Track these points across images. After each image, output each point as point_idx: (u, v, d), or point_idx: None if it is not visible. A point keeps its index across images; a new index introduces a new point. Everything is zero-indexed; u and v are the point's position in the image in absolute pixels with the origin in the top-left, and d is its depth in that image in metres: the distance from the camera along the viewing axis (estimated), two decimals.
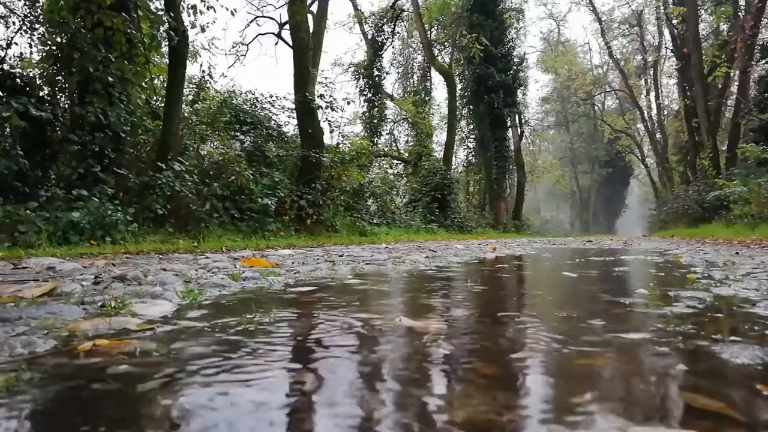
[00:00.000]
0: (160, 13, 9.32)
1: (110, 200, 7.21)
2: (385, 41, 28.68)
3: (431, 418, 0.78)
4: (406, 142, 30.01)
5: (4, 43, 7.90)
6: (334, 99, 14.60)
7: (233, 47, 23.13)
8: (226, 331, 1.41)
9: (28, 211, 5.97)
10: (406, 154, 27.71)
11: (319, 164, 12.35)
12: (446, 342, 1.32)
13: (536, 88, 57.61)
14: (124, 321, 1.49)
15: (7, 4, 9.01)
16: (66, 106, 8.00)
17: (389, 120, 29.21)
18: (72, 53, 7.49)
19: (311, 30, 14.42)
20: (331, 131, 16.97)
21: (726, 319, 1.64)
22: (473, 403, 0.84)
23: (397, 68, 32.18)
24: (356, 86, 27.65)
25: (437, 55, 28.28)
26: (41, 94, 7.76)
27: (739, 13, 21.59)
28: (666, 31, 32.05)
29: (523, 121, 31.57)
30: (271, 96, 14.68)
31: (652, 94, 37.21)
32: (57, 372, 1.02)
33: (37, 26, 8.42)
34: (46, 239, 5.84)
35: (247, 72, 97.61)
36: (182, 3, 9.59)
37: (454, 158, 29.09)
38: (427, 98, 29.72)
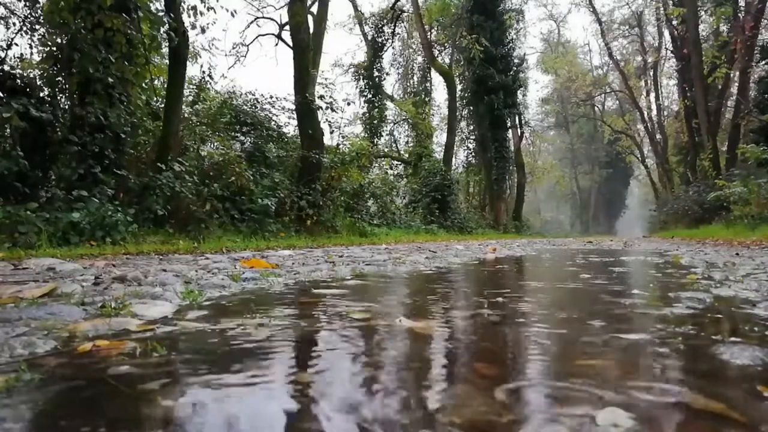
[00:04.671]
0: (161, 14, 9.33)
1: (110, 201, 7.21)
2: (385, 42, 28.71)
3: (431, 418, 0.78)
4: (406, 142, 30.06)
5: (4, 44, 7.90)
6: (334, 100, 14.60)
7: (233, 48, 23.22)
8: (226, 332, 1.41)
9: (28, 212, 5.97)
10: (406, 155, 27.74)
11: (319, 165, 12.35)
12: (446, 342, 1.33)
13: (536, 89, 57.74)
14: (124, 322, 1.49)
15: (8, 5, 9.02)
16: (66, 106, 8.00)
17: (389, 121, 29.25)
18: (72, 54, 7.49)
19: (311, 31, 14.44)
20: (331, 132, 16.98)
21: (726, 320, 1.64)
22: (473, 404, 0.84)
23: (397, 69, 32.26)
24: (356, 87, 27.72)
25: (437, 56, 28.31)
26: (41, 94, 7.76)
27: (739, 14, 21.59)
28: (666, 32, 32.08)
29: (523, 121, 31.59)
30: (271, 97, 14.69)
31: (652, 95, 37.26)
32: (57, 373, 1.02)
33: (37, 27, 8.42)
34: (46, 240, 5.84)
35: (247, 73, 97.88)
36: (182, 4, 9.59)
37: (454, 159, 29.12)
38: (427, 99, 29.75)
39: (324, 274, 3.28)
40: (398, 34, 29.86)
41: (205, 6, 9.78)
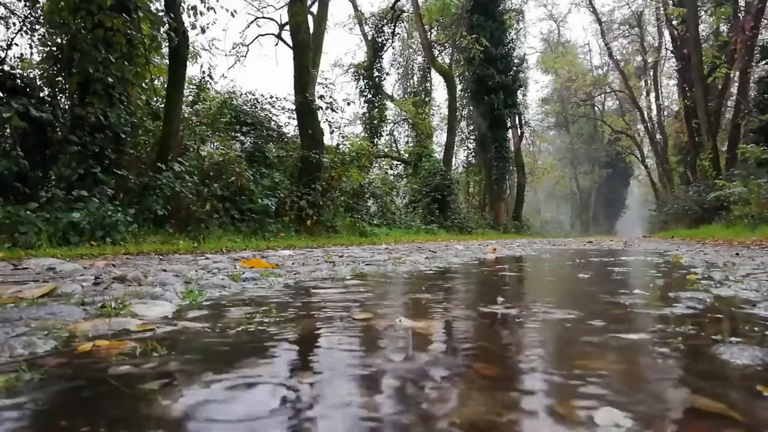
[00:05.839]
0: (161, 14, 9.33)
1: (110, 201, 7.21)
2: (385, 42, 28.74)
3: (431, 418, 0.78)
4: (406, 142, 30.08)
5: (4, 44, 7.90)
6: (334, 100, 14.62)
7: (233, 48, 23.24)
8: (226, 332, 1.41)
9: (28, 212, 5.97)
10: (406, 155, 27.75)
11: (319, 165, 12.35)
12: (446, 342, 1.33)
13: (536, 89, 57.65)
14: (124, 322, 1.49)
15: (8, 5, 9.02)
16: (66, 107, 8.00)
17: (389, 121, 29.27)
18: (72, 54, 7.49)
19: (311, 31, 14.44)
20: (331, 132, 17.03)
21: (726, 320, 1.64)
22: (472, 404, 0.84)
23: (397, 69, 32.29)
24: (356, 87, 27.75)
25: (437, 56, 28.31)
26: (41, 95, 7.76)
27: (739, 14, 21.59)
28: (666, 32, 32.05)
29: (523, 121, 31.61)
30: (271, 97, 14.70)
31: (652, 95, 37.26)
32: (57, 373, 1.02)
33: (37, 27, 8.42)
34: (46, 240, 5.84)
35: (247, 73, 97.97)
36: (182, 4, 9.59)
37: (454, 159, 29.15)
38: (427, 99, 29.77)
39: (324, 274, 3.28)
40: (398, 34, 29.90)
41: (205, 6, 9.78)
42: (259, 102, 14.42)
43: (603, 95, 45.60)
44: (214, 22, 26.31)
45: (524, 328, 1.51)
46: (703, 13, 23.82)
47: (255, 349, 1.22)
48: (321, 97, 13.97)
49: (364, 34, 29.01)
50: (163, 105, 10.24)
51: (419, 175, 22.97)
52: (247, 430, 0.74)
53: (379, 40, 28.41)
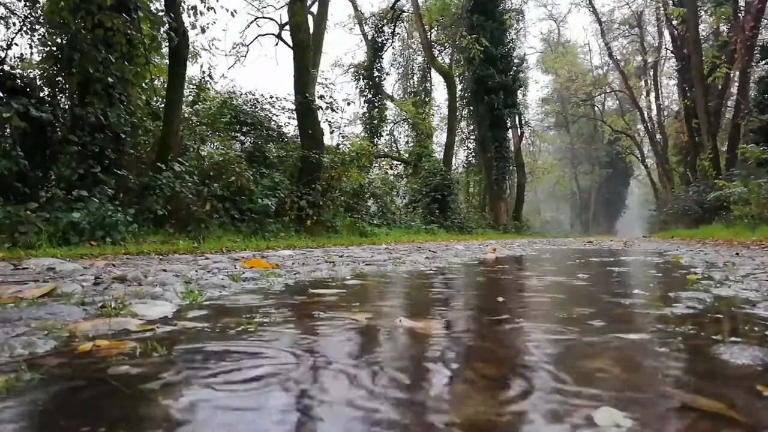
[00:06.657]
0: (161, 13, 9.33)
1: (110, 201, 7.21)
2: (385, 42, 28.74)
3: (431, 418, 0.78)
4: (406, 142, 30.07)
5: (4, 44, 7.91)
6: (334, 100, 14.62)
7: (233, 48, 23.25)
8: (226, 332, 1.41)
9: (28, 212, 5.96)
10: (406, 155, 27.75)
11: (319, 165, 12.35)
12: (446, 343, 1.32)
13: (536, 89, 57.52)
14: (124, 322, 1.49)
15: (8, 5, 9.02)
16: (66, 106, 8.00)
17: (389, 121, 29.27)
18: (72, 54, 7.49)
19: (311, 31, 14.44)
20: (332, 132, 17.02)
21: (726, 320, 1.64)
22: (473, 404, 0.84)
23: (397, 69, 32.27)
24: (356, 87, 27.75)
25: (437, 56, 28.31)
26: (41, 94, 7.76)
27: (739, 14, 21.59)
28: (666, 32, 32.06)
29: (523, 121, 31.61)
30: (271, 97, 14.69)
31: (652, 95, 37.24)
32: (57, 373, 1.02)
33: (37, 27, 8.42)
34: (46, 240, 5.84)
35: (247, 73, 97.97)
36: (182, 4, 9.59)
37: (454, 159, 29.16)
38: (427, 99, 29.75)
39: (324, 274, 3.28)
40: (398, 34, 29.89)
41: (205, 6, 9.79)
42: (259, 102, 14.41)
43: (603, 95, 45.60)
44: (214, 22, 26.29)
45: (525, 327, 1.51)
46: (703, 13, 23.82)
47: (255, 349, 1.22)
48: (321, 97, 13.97)
49: (364, 34, 29.02)
50: (163, 105, 10.24)
51: (419, 175, 22.97)
52: (247, 430, 0.74)
53: (379, 40, 28.41)
